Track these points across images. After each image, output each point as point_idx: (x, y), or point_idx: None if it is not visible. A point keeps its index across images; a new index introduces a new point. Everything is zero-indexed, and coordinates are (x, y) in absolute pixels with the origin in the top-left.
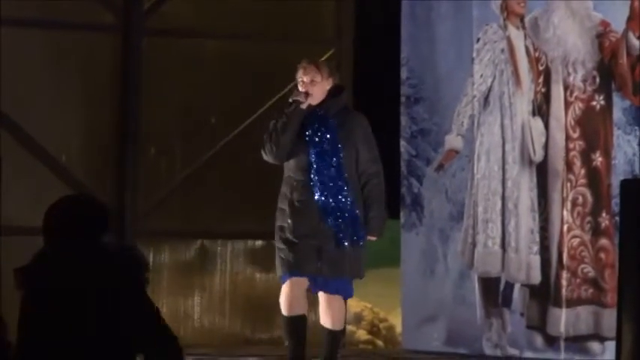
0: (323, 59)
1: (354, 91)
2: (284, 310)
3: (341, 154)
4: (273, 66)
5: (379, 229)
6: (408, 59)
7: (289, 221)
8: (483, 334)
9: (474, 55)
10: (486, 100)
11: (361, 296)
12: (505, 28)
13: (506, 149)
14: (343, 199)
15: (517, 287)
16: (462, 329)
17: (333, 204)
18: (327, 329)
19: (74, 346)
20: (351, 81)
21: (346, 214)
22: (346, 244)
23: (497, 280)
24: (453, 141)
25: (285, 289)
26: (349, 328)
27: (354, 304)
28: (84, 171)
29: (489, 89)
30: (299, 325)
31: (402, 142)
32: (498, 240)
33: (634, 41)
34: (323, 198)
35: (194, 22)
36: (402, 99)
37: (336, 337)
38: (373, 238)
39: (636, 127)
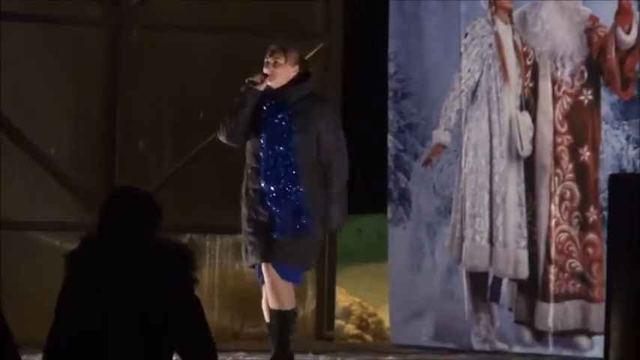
0: (312, 53)
1: (343, 86)
2: (265, 316)
3: (293, 141)
4: (263, 60)
5: (338, 222)
6: (396, 54)
7: (244, 210)
8: (472, 328)
9: (462, 49)
10: (474, 94)
11: (350, 291)
12: (493, 22)
13: (494, 144)
14: (289, 186)
15: (505, 282)
16: (451, 324)
17: (275, 190)
18: (276, 310)
19: (110, 338)
20: (340, 75)
21: (289, 202)
22: (282, 232)
23: (485, 274)
24: (441, 135)
25: (263, 294)
26: (338, 322)
27: (343, 299)
28: (73, 165)
29: (477, 84)
30: None
31: (390, 137)
32: (486, 235)
33: (622, 36)
34: (270, 185)
35: (183, 16)
36: (390, 93)
37: (286, 317)
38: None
39: (624, 122)
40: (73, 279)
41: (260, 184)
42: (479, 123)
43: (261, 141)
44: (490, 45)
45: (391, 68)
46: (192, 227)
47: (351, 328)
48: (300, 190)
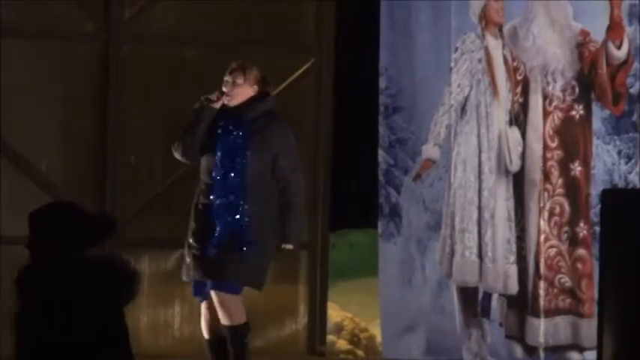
0: (304, 68)
1: (334, 100)
2: (204, 333)
3: (246, 159)
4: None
5: (295, 237)
6: (387, 68)
7: (192, 224)
8: (463, 343)
9: (452, 64)
10: (463, 109)
11: (342, 306)
12: (483, 37)
13: (483, 159)
14: (236, 203)
15: (495, 297)
16: (442, 339)
17: (221, 205)
18: (227, 326)
19: (60, 352)
20: (332, 90)
21: (233, 219)
22: (221, 247)
23: (476, 290)
24: (430, 150)
25: (202, 310)
26: (330, 337)
27: (335, 314)
28: (64, 179)
29: (466, 99)
30: (220, 346)
31: (380, 152)
32: (475, 250)
33: (614, 51)
34: (217, 200)
35: (175, 30)
36: (381, 108)
37: (238, 332)
38: (289, 246)
39: (615, 137)
40: (24, 301)
41: (210, 199)
42: (468, 138)
43: (216, 157)
44: (480, 60)
45: (382, 83)
46: (183, 242)
47: (343, 344)
48: (246, 207)
